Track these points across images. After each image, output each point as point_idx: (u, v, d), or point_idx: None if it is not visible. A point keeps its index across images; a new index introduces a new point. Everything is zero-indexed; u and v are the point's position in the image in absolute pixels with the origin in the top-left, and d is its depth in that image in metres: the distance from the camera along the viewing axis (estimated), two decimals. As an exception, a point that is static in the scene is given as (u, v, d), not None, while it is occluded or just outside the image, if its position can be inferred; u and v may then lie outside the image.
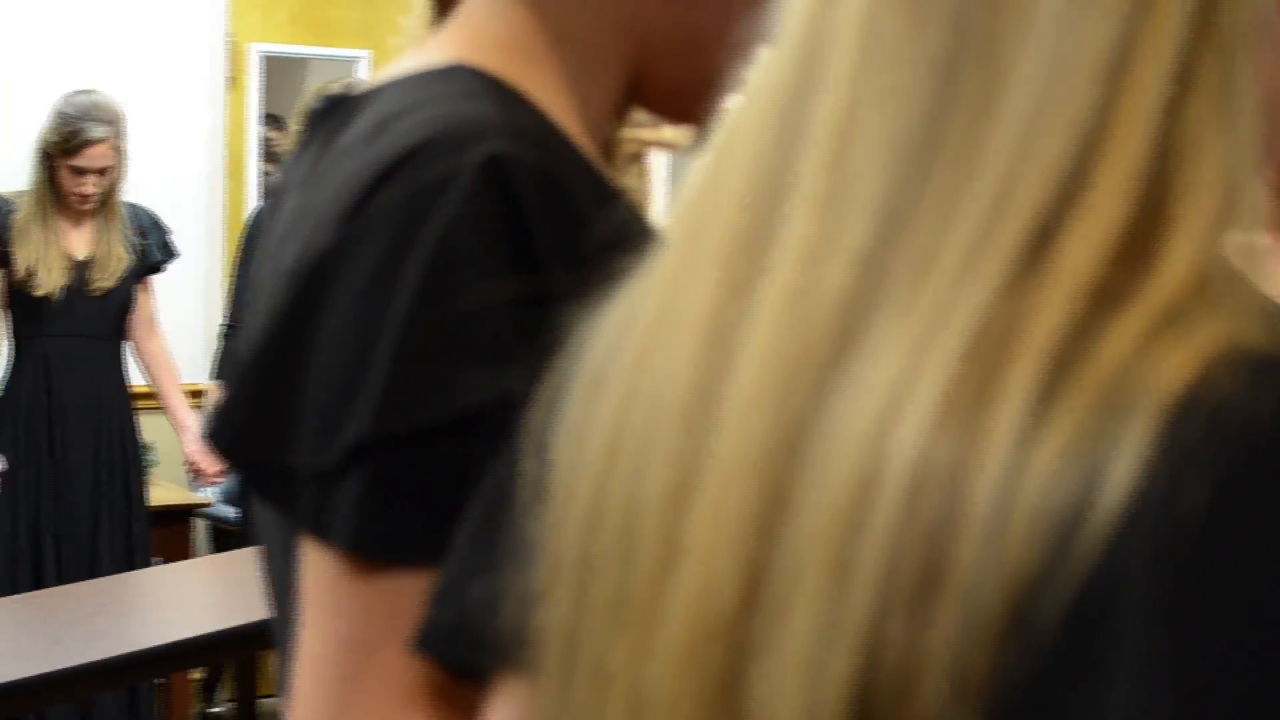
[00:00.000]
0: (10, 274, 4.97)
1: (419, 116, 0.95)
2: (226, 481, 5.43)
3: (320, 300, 0.92)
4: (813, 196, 0.65)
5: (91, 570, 4.92)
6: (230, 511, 5.61)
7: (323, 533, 0.90)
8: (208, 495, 5.76)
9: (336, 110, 1.05)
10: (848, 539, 0.59)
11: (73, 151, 4.89)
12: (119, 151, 4.99)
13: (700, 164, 0.72)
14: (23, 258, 4.93)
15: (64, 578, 4.88)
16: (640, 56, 1.08)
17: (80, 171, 4.92)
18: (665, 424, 0.66)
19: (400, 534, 0.89)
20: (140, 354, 5.27)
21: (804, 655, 0.59)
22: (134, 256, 5.11)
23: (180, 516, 5.57)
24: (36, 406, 5.03)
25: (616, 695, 0.66)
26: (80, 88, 5.04)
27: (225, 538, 5.73)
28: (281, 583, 1.07)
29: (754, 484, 0.62)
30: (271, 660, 5.19)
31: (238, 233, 6.03)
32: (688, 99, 1.12)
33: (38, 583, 4.89)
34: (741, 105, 0.71)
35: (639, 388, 0.68)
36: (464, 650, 0.78)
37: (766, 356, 0.63)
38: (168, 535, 5.34)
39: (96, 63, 5.66)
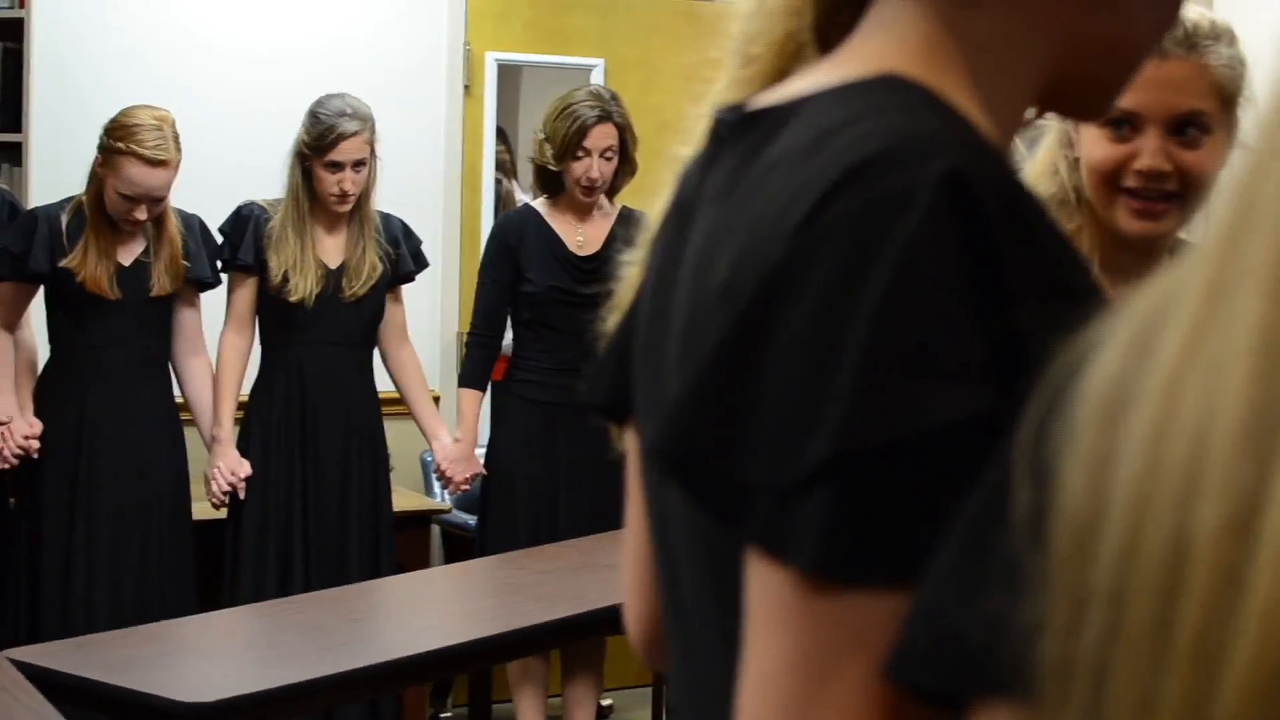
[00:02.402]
0: (265, 280, 5.02)
1: (863, 128, 0.93)
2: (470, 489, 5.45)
3: (773, 314, 0.90)
4: None
5: (339, 577, 4.91)
6: (468, 519, 5.65)
7: (780, 551, 0.88)
8: (445, 501, 5.80)
9: (755, 123, 1.04)
10: None
11: (328, 147, 4.94)
12: (372, 148, 5.04)
13: (1230, 179, 0.69)
14: (277, 264, 4.98)
15: (311, 584, 4.90)
16: (1059, 63, 1.05)
17: (336, 167, 4.96)
18: (1218, 451, 0.62)
19: (866, 555, 0.86)
20: (390, 362, 5.31)
21: None
22: (386, 265, 5.15)
23: (417, 523, 5.62)
24: (289, 414, 5.07)
25: None
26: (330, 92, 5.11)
27: (459, 544, 5.76)
28: (689, 588, 1.07)
29: None
30: (505, 667, 5.22)
31: (474, 241, 6.06)
32: (1099, 99, 1.12)
33: (284, 589, 4.92)
34: (1273, 116, 0.68)
35: (1177, 412, 0.64)
36: (944, 676, 0.75)
37: None
38: (404, 541, 5.37)
39: (338, 71, 5.72)
